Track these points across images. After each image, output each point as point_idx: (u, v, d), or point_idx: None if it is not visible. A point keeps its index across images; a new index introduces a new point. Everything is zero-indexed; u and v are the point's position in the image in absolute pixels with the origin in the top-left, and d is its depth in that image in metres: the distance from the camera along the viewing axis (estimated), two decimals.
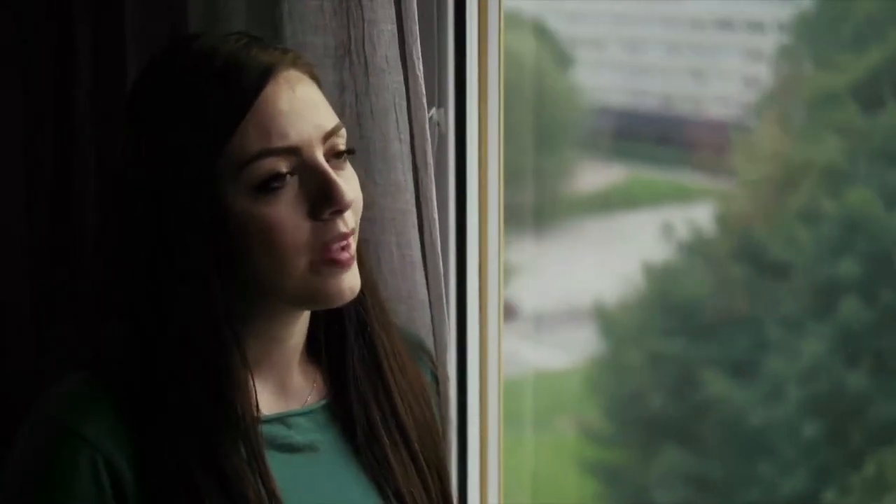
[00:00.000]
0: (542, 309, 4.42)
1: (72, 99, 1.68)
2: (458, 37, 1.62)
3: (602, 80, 4.28)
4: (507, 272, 4.46)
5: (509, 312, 4.57)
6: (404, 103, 1.50)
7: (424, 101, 1.49)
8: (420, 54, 1.49)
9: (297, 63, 1.30)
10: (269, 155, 1.23)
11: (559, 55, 4.24)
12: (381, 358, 1.41)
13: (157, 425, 1.23)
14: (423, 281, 1.54)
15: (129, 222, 1.27)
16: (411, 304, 1.56)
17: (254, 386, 1.28)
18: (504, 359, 4.35)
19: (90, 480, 1.20)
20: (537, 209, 4.34)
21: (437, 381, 1.55)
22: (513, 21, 4.29)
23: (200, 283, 1.24)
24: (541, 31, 4.23)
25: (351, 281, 1.28)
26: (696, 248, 3.96)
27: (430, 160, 1.51)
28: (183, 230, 1.23)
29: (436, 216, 1.52)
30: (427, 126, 1.50)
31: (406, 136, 1.51)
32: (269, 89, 1.25)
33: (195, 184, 1.22)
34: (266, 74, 1.25)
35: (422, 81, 1.49)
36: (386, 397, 1.41)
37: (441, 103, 1.62)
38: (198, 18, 1.54)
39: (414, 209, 1.52)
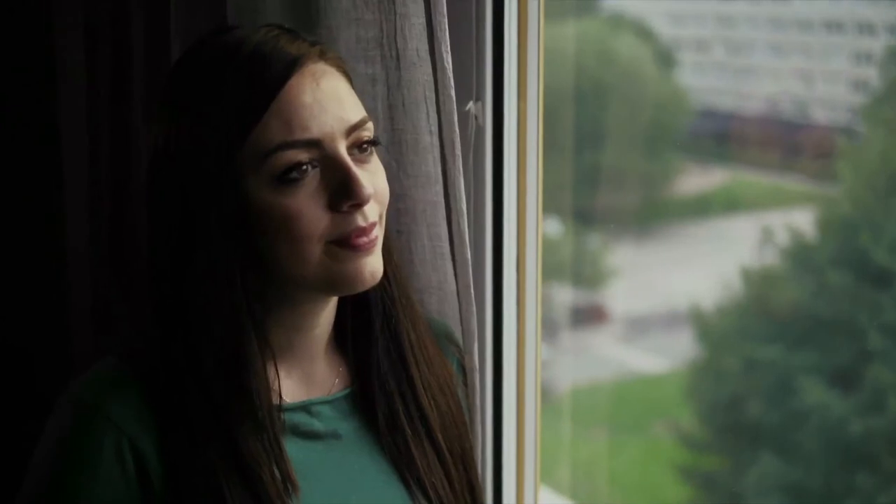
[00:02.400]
0: (640, 312, 4.38)
1: (127, 92, 1.74)
2: (496, 29, 1.63)
3: (706, 82, 4.23)
4: (606, 275, 4.46)
5: (599, 316, 4.56)
6: (434, 96, 1.51)
7: (453, 93, 1.50)
8: (448, 47, 1.50)
9: (324, 56, 1.30)
10: (290, 147, 1.24)
11: (662, 57, 4.21)
12: (405, 349, 1.41)
13: (178, 410, 1.26)
14: (453, 271, 1.55)
15: (155, 210, 1.30)
16: (442, 294, 1.57)
17: (277, 373, 1.30)
18: (598, 362, 4.32)
19: (114, 460, 1.23)
20: (638, 212, 4.30)
21: (465, 371, 1.55)
22: (615, 22, 4.27)
23: (220, 270, 1.26)
24: (643, 33, 4.20)
25: (372, 265, 1.28)
26: (796, 254, 3.88)
27: (459, 152, 1.52)
28: (204, 218, 1.25)
29: (464, 207, 1.53)
30: (455, 118, 1.51)
31: (436, 129, 1.52)
32: (294, 81, 1.26)
33: (217, 173, 1.24)
34: (291, 67, 1.26)
35: (450, 74, 1.50)
36: (409, 388, 1.41)
37: (479, 96, 1.63)
38: (236, 12, 1.57)
39: (443, 200, 1.53)
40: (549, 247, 4.29)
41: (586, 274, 4.40)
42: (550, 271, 4.32)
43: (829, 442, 3.78)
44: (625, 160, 4.15)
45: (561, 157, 4.01)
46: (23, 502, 1.28)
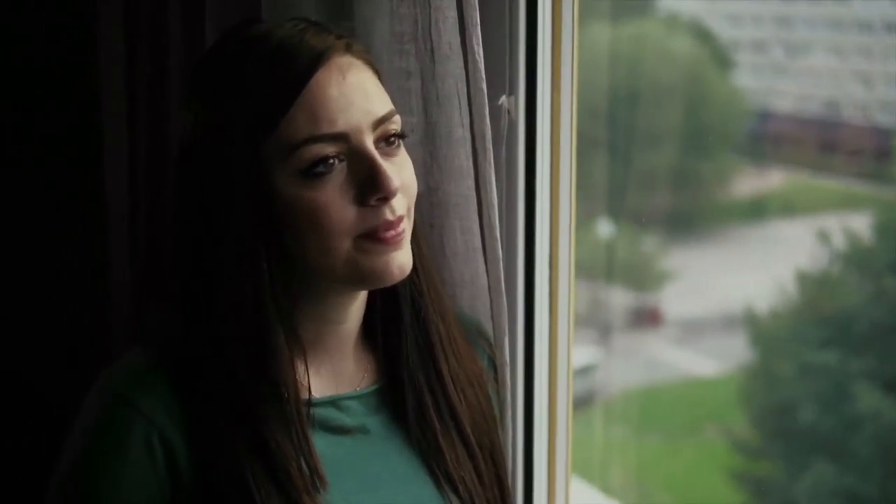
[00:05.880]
0: (694, 315, 4.36)
1: (164, 84, 1.76)
2: (530, 23, 1.61)
3: (764, 84, 4.19)
4: (659, 278, 4.44)
5: (654, 318, 4.54)
6: (465, 89, 1.50)
7: (484, 86, 1.49)
8: (480, 41, 1.49)
9: (351, 49, 1.30)
10: (317, 141, 1.23)
11: (720, 58, 4.18)
12: (434, 343, 1.40)
13: (206, 402, 1.26)
14: (484, 266, 1.54)
15: (182, 202, 1.31)
16: (474, 289, 1.56)
17: (306, 368, 1.30)
18: (652, 365, 4.30)
19: (143, 450, 1.23)
20: (692, 214, 4.28)
21: (495, 366, 1.54)
22: (672, 23, 4.24)
23: (246, 262, 1.25)
24: (701, 34, 4.17)
25: (400, 259, 1.27)
26: (853, 258, 3.84)
27: (490, 146, 1.51)
28: (230, 211, 1.25)
29: (495, 201, 1.52)
30: (486, 112, 1.50)
31: (467, 122, 1.51)
32: (320, 75, 1.25)
33: (243, 166, 1.24)
34: (317, 60, 1.25)
35: (481, 67, 1.49)
36: (438, 382, 1.40)
37: (511, 91, 1.62)
38: (270, 3, 1.58)
39: (475, 194, 1.53)
40: (603, 249, 4.28)
41: (641, 276, 4.39)
42: (604, 273, 4.30)
43: (884, 449, 3.73)
44: (681, 162, 4.13)
45: (616, 158, 3.99)
46: (54, 493, 1.29)
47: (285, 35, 1.29)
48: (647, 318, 4.43)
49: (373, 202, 1.26)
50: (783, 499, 3.94)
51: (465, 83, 1.51)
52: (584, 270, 4.17)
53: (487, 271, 1.55)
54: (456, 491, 1.41)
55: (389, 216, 1.26)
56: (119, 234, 1.93)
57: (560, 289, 1.68)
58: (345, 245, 1.26)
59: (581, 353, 4.08)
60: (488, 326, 1.56)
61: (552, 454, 1.71)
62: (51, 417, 1.77)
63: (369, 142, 1.27)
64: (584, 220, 4.05)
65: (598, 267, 4.22)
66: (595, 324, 4.27)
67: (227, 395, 1.27)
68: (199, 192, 1.30)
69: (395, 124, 1.30)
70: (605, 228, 4.22)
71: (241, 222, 1.27)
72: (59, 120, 2.00)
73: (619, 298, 4.36)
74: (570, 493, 1.73)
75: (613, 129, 3.95)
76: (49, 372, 1.97)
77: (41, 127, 2.00)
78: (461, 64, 1.51)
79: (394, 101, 1.31)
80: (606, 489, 4.00)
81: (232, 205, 1.27)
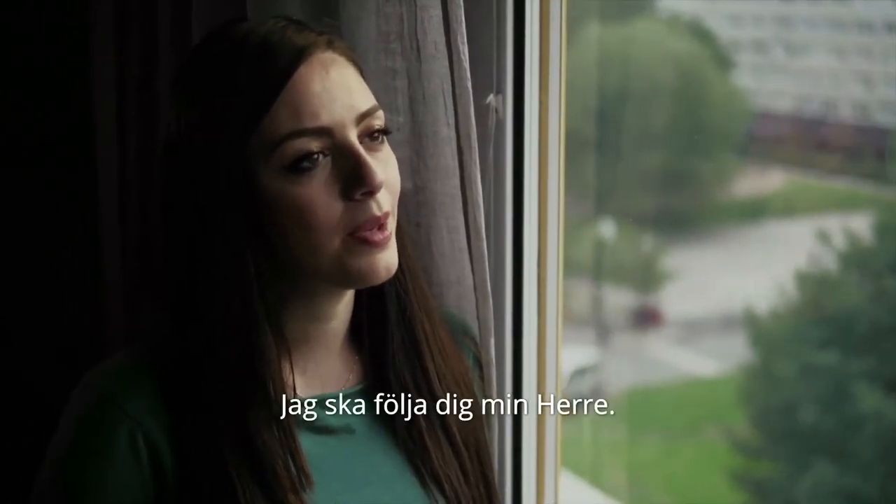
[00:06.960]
0: (694, 316, 4.36)
1: (154, 85, 1.76)
2: (518, 21, 1.61)
3: (764, 84, 4.20)
4: (660, 278, 4.44)
5: (654, 318, 4.54)
6: (451, 88, 1.50)
7: (469, 85, 1.49)
8: (465, 40, 1.48)
9: (332, 45, 1.30)
10: (300, 135, 1.23)
11: (719, 58, 4.18)
12: (420, 341, 1.40)
13: (192, 402, 1.26)
14: (471, 265, 1.54)
15: (167, 200, 1.31)
16: (461, 289, 1.56)
17: (291, 367, 1.29)
18: (652, 365, 4.30)
19: (128, 450, 1.23)
20: (693, 214, 4.28)
21: (481, 364, 1.54)
22: (672, 23, 4.24)
23: (233, 259, 1.25)
24: (701, 34, 4.18)
25: (387, 260, 1.27)
26: (853, 258, 3.84)
27: (475, 144, 1.50)
28: (216, 208, 1.25)
29: (480, 200, 1.51)
30: (472, 111, 1.50)
31: (453, 121, 1.51)
32: (303, 70, 1.25)
33: (228, 163, 1.24)
34: (300, 56, 1.26)
35: (466, 66, 1.48)
36: (424, 379, 1.40)
37: (499, 89, 1.61)
38: (256, 4, 1.58)
39: (460, 193, 1.52)
40: (604, 249, 4.28)
41: (641, 276, 4.39)
42: (605, 273, 4.31)
43: (885, 449, 3.72)
44: (681, 162, 4.13)
45: (615, 159, 4.00)
46: (38, 491, 1.29)
47: (267, 32, 1.28)
48: (647, 319, 4.43)
49: (358, 196, 1.25)
50: (784, 499, 3.94)
51: (450, 82, 1.51)
52: (585, 271, 4.17)
53: (473, 271, 1.55)
54: (441, 490, 1.40)
55: (376, 211, 1.26)
56: (111, 234, 1.93)
57: (548, 288, 1.68)
58: (333, 243, 1.26)
59: (581, 354, 4.08)
60: (474, 326, 1.56)
61: (541, 454, 1.71)
62: (50, 417, 1.77)
63: (353, 136, 1.26)
64: (585, 220, 4.05)
65: (599, 267, 4.22)
66: (595, 324, 4.27)
67: (214, 394, 1.27)
68: (184, 191, 1.29)
69: (379, 119, 1.29)
70: (605, 229, 4.22)
71: (228, 220, 1.27)
72: (56, 121, 2.00)
73: (620, 298, 4.36)
74: (560, 492, 1.73)
75: (613, 130, 3.95)
76: (48, 372, 1.97)
77: (40, 127, 2.00)
78: (447, 63, 1.50)
79: (379, 100, 1.30)
80: (605, 489, 3.99)
81: (218, 203, 1.27)
